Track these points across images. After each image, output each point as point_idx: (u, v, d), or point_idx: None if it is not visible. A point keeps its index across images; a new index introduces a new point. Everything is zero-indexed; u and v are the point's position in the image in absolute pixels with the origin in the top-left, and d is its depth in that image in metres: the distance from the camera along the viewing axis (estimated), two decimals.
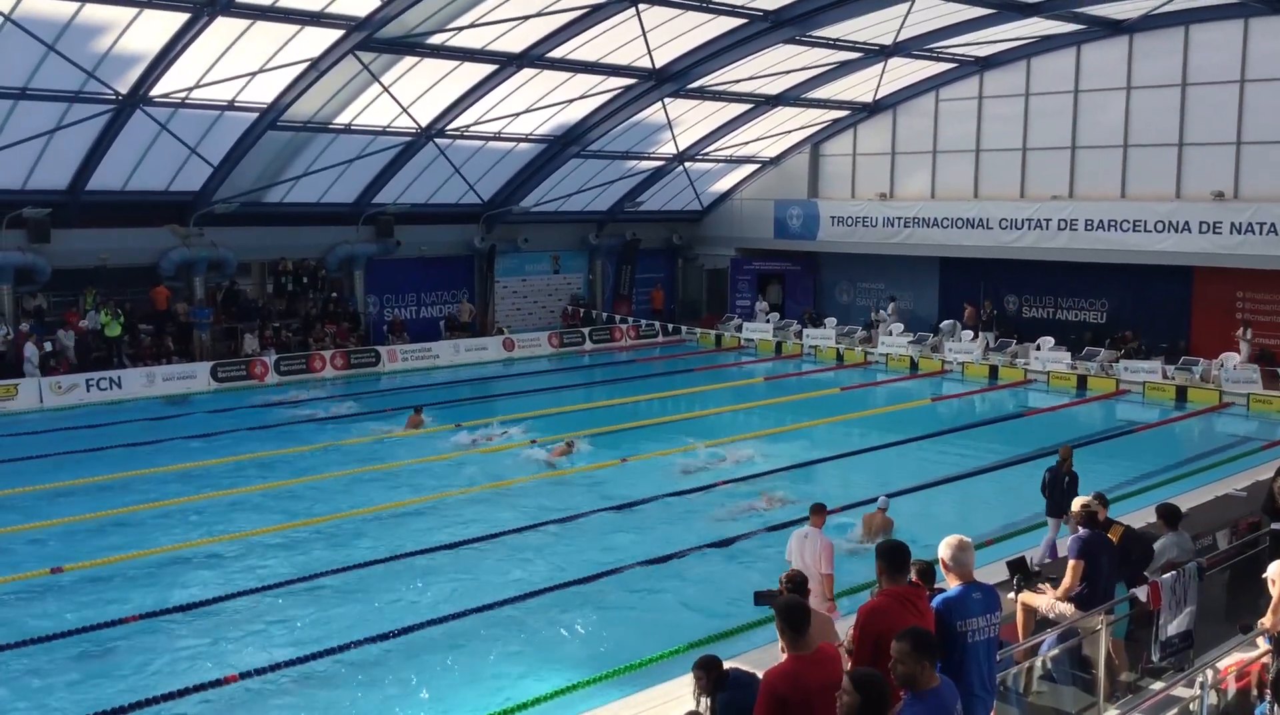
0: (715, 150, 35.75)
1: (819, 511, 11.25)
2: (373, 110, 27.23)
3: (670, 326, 37.82)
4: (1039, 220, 30.88)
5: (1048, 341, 30.55)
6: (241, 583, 13.94)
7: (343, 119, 27.39)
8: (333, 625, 12.61)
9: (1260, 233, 27.01)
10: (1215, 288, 29.22)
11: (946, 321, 33.03)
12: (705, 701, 7.44)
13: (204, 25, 21.53)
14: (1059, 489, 13.64)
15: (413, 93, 26.84)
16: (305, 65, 24.19)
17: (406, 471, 19.69)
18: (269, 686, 11.04)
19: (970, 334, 31.71)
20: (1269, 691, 7.42)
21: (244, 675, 11.07)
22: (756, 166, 38.21)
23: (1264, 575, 8.29)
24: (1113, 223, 29.50)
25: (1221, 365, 27.18)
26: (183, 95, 24.05)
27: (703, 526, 16.30)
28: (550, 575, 14.13)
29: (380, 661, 11.66)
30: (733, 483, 18.71)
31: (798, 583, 8.23)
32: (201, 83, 23.79)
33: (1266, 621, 7.53)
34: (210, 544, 15.50)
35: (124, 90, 23.40)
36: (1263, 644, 7.84)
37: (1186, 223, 28.23)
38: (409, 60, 25.52)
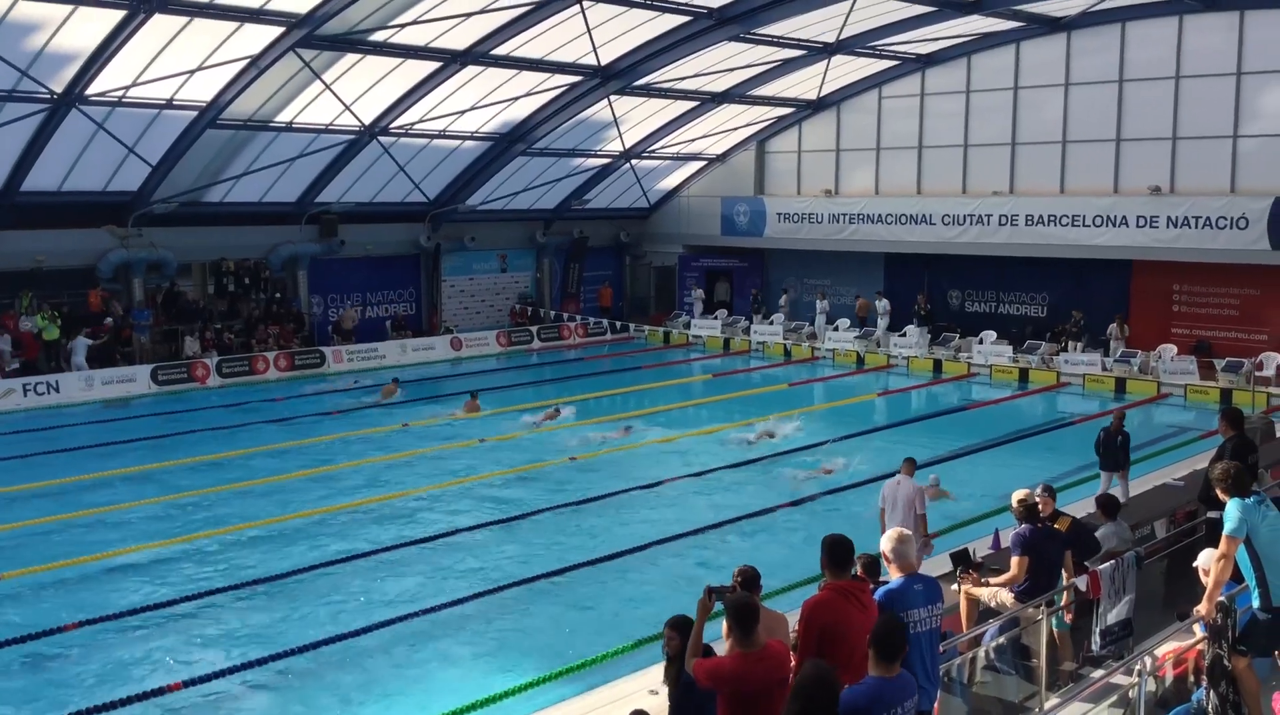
0: (662, 148, 35.80)
1: (910, 463, 13.11)
2: (315, 108, 26.93)
3: (619, 324, 37.82)
4: (980, 216, 31.28)
5: (990, 335, 30.98)
6: (188, 587, 13.73)
7: (284, 117, 27.07)
8: (282, 628, 12.50)
9: (1196, 226, 27.55)
10: (1152, 281, 29.78)
11: (881, 302, 33.37)
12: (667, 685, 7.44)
13: (140, 23, 21.17)
14: (1113, 446, 15.78)
15: (355, 90, 26.58)
16: (245, 63, 23.87)
17: (362, 470, 19.55)
18: (215, 693, 10.89)
19: (913, 330, 32.07)
20: (1205, 677, 7.58)
21: (188, 683, 10.90)
22: (703, 164, 38.33)
23: (1194, 564, 8.45)
24: (1052, 218, 29.97)
25: (1159, 357, 27.73)
26: (119, 94, 23.63)
27: (657, 522, 16.35)
28: (502, 573, 14.09)
29: (329, 664, 11.55)
30: (684, 479, 18.80)
31: (749, 578, 8.26)
32: (139, 81, 23.39)
33: (1201, 609, 7.67)
34: (155, 548, 15.27)
35: (59, 89, 22.94)
36: (1199, 631, 7.98)
37: (1124, 217, 28.75)
38: (351, 57, 25.27)
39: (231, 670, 11.20)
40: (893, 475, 13.20)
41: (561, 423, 23.23)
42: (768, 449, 20.90)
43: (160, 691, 10.70)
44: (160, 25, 21.56)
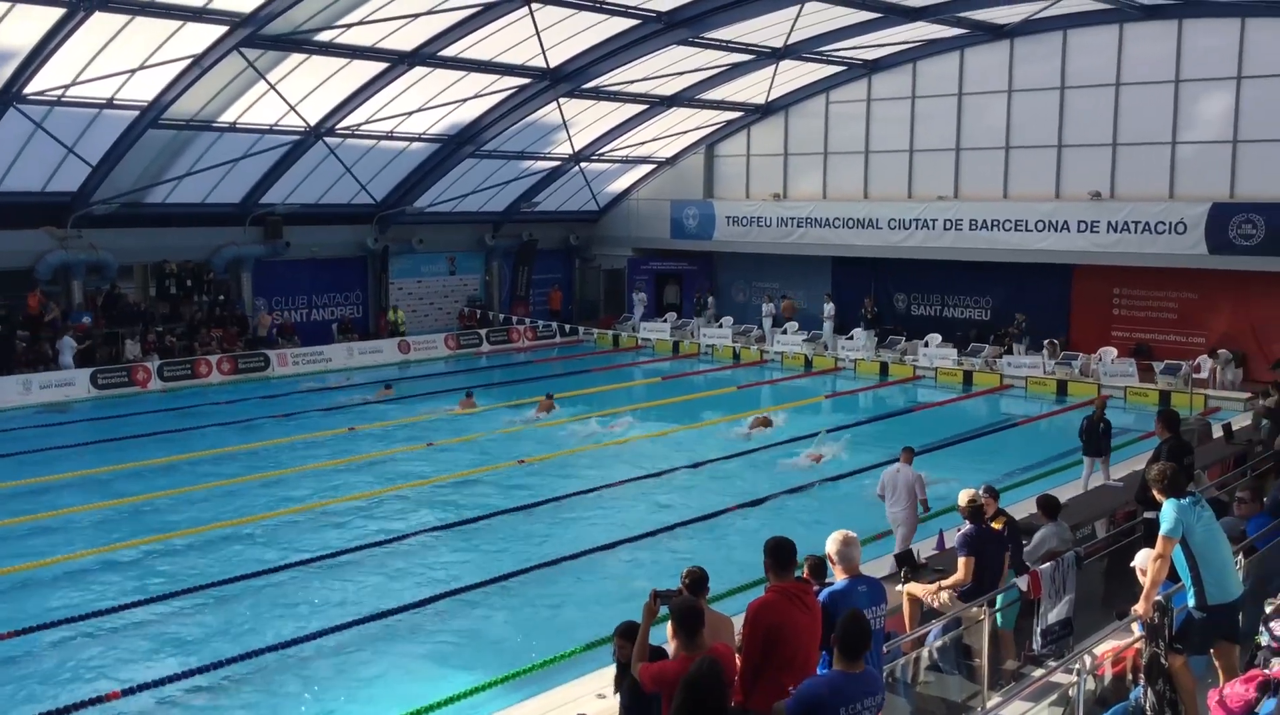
0: (611, 151, 35.81)
1: (909, 452, 14.17)
2: (259, 108, 26.62)
3: (568, 327, 37.77)
4: (926, 220, 31.61)
5: (935, 338, 31.33)
6: (132, 593, 13.52)
7: (228, 117, 26.73)
8: (230, 634, 12.36)
9: (1135, 231, 28.04)
10: (1093, 285, 30.28)
11: (828, 305, 33.61)
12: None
13: (80, 20, 20.81)
14: (1095, 433, 16.58)
15: (301, 90, 26.31)
16: (188, 62, 23.54)
17: (309, 475, 19.35)
18: (158, 702, 10.72)
19: (860, 331, 32.36)
20: (1142, 676, 7.71)
21: (127, 691, 10.72)
22: (652, 167, 38.39)
23: (1132, 564, 8.59)
24: (995, 222, 30.35)
25: (1100, 359, 28.19)
26: (59, 93, 23.21)
27: (609, 525, 16.39)
28: (452, 577, 14.04)
29: (278, 670, 11.42)
30: (635, 481, 18.82)
31: (697, 580, 8.26)
32: (79, 80, 22.98)
33: (1139, 608, 7.80)
34: (98, 554, 15.00)
35: None
36: (1137, 630, 8.11)
37: (1065, 222, 29.18)
38: (296, 57, 25.00)
39: (175, 678, 11.04)
40: (892, 462, 14.16)
41: (543, 421, 23.42)
42: (719, 450, 20.95)
43: (98, 700, 10.50)
44: (101, 23, 21.21)
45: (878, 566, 11.64)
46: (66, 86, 23.07)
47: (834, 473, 19.10)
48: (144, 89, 24.25)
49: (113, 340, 28.66)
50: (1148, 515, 11.12)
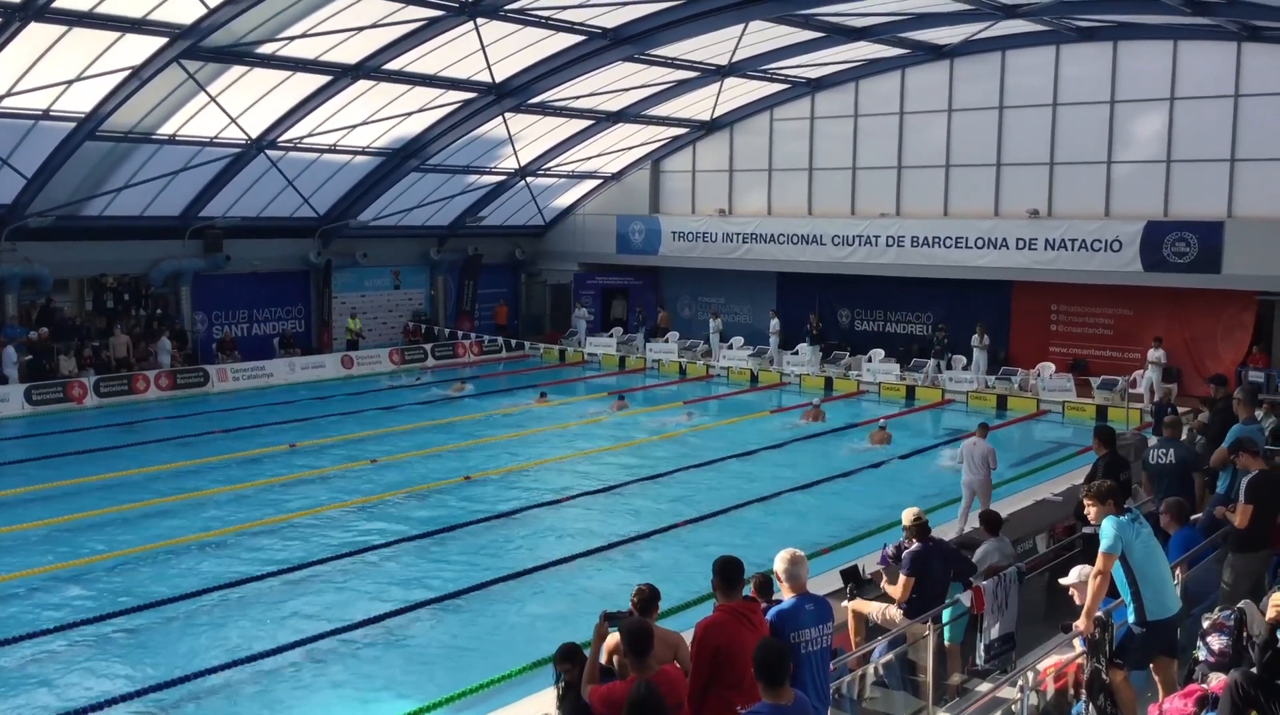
0: (557, 165, 35.81)
1: (984, 427, 16.56)
2: (199, 120, 26.26)
3: (514, 342, 37.65)
4: (868, 237, 31.96)
5: (878, 353, 31.65)
6: (72, 614, 13.21)
7: (167, 129, 26.33)
8: (172, 655, 12.11)
9: (1072, 248, 28.58)
10: (1032, 301, 30.80)
11: (773, 320, 33.80)
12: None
13: (15, 31, 20.36)
14: (1162, 415, 17.88)
15: (242, 103, 26.00)
16: (126, 73, 23.16)
17: (252, 492, 19.09)
18: None
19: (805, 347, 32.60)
20: (1084, 691, 7.82)
21: None
22: (599, 182, 38.44)
23: (1061, 581, 8.70)
24: (936, 239, 30.77)
25: (1039, 374, 28.64)
26: None
27: (558, 539, 16.41)
28: (396, 597, 13.89)
29: (222, 691, 11.23)
30: (585, 496, 18.79)
31: (646, 599, 8.25)
32: (13, 91, 22.52)
33: (1080, 624, 7.92)
34: (35, 575, 14.64)
35: None
36: (1079, 645, 8.23)
37: (1004, 239, 29.67)
38: (238, 69, 24.71)
39: (114, 701, 10.81)
40: (969, 436, 16.21)
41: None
42: (669, 464, 20.99)
43: None
44: (36, 34, 20.79)
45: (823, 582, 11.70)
46: (1, 98, 22.61)
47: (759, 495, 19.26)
48: (81, 100, 23.81)
49: (48, 355, 28.00)
50: (1086, 531, 11.29)
